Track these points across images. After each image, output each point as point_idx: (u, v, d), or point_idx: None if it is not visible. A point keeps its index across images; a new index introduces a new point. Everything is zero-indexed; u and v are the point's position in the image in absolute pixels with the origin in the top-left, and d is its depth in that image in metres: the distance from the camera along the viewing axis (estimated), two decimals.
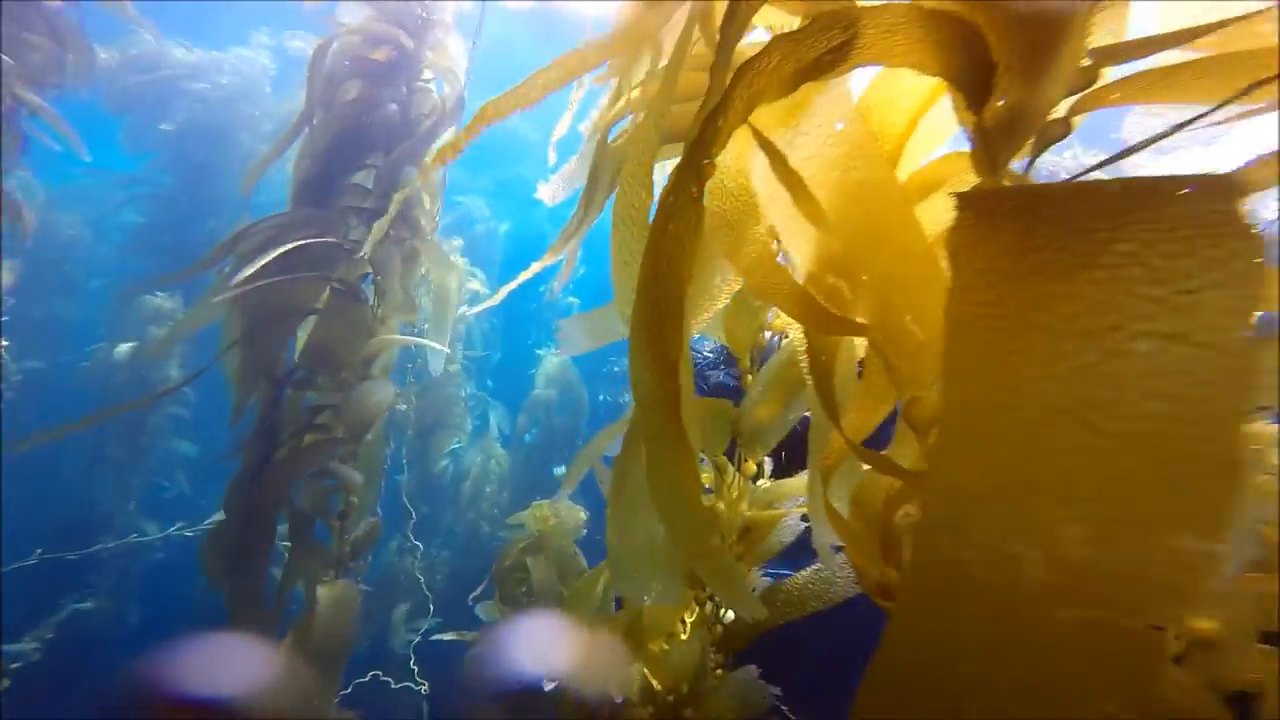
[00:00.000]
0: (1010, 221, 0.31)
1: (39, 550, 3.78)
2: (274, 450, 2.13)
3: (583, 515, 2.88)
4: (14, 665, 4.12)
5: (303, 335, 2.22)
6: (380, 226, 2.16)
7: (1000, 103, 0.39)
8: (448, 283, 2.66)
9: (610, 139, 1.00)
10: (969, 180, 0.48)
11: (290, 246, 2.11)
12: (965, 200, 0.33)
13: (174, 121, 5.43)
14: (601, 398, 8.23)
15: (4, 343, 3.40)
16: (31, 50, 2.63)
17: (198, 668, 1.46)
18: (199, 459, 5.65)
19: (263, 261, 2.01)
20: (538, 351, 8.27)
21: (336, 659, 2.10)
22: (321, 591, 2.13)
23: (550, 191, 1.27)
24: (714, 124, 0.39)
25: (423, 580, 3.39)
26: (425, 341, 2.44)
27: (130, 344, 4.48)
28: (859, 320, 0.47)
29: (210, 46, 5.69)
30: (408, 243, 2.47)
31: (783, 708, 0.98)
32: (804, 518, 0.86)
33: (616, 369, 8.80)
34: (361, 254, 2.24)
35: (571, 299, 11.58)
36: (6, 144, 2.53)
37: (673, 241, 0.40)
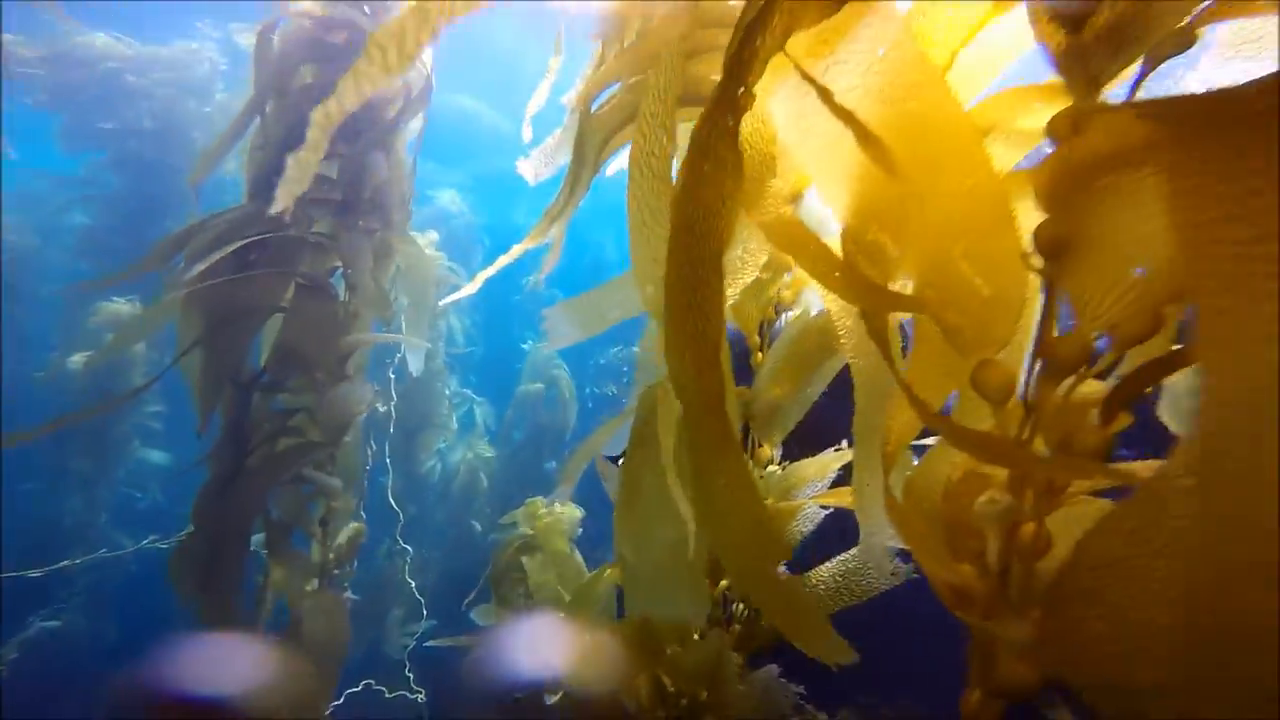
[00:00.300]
0: (1212, 129, 0.25)
1: None
2: (244, 457, 2.01)
3: (578, 513, 2.82)
4: None
5: (271, 336, 2.10)
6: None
7: (1104, 12, 0.32)
8: (424, 276, 2.55)
9: (594, 110, 0.92)
10: (1029, 119, 0.42)
11: (245, 241, 1.98)
12: (1163, 109, 0.27)
13: (116, 120, 5.12)
14: (589, 390, 8.13)
15: None
16: None
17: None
18: (173, 468, 5.45)
19: (215, 258, 1.87)
20: (522, 346, 8.13)
21: (328, 671, 2.02)
22: (307, 603, 2.03)
23: (531, 169, 1.18)
24: (751, 44, 0.31)
25: (414, 584, 3.30)
26: (403, 338, 2.32)
27: (86, 353, 4.26)
28: (903, 281, 0.40)
29: (151, 40, 5.37)
30: (379, 235, 2.34)
31: (807, 706, 0.93)
32: (824, 506, 0.80)
33: (603, 361, 8.68)
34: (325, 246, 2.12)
35: (555, 292, 11.42)
36: None
37: (709, 187, 0.33)
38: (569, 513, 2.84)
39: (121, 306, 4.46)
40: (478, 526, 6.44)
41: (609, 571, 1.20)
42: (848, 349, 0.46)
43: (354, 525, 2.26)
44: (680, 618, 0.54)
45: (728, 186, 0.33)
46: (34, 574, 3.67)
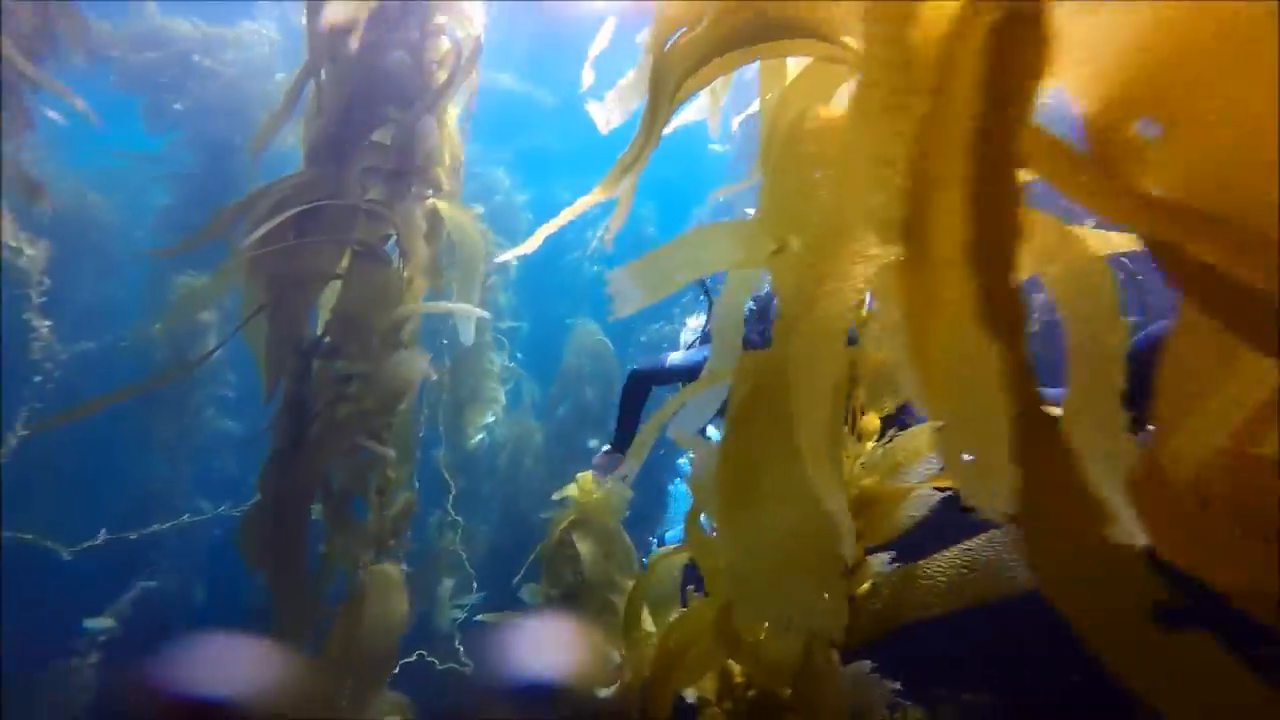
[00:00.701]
0: None
1: (103, 531, 3.87)
2: (305, 426, 2.03)
3: (628, 492, 2.74)
4: (101, 638, 4.31)
5: (328, 305, 2.09)
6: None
7: None
8: (474, 246, 2.49)
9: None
10: None
11: (303, 208, 1.96)
12: None
13: (189, 99, 5.33)
14: (632, 368, 8.05)
15: (47, 323, 3.40)
16: (15, 18, 2.50)
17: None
18: (245, 437, 5.76)
19: (270, 225, 1.86)
20: (567, 321, 8.13)
21: (388, 644, 2.04)
22: (367, 575, 2.05)
23: (603, 113, 1.07)
24: None
25: (465, 556, 3.33)
26: (457, 307, 2.28)
27: (159, 323, 4.51)
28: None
29: (216, 22, 5.54)
30: (430, 202, 2.30)
31: (904, 703, 0.81)
32: (940, 488, 0.67)
33: (644, 339, 8.57)
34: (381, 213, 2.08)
35: (601, 267, 11.34)
36: (7, 122, 2.44)
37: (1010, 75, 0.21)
38: (618, 489, 2.77)
39: (195, 279, 4.69)
40: (524, 501, 6.53)
41: (674, 553, 1.10)
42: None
43: (407, 494, 2.25)
44: (814, 626, 0.43)
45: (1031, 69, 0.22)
46: (132, 537, 3.94)
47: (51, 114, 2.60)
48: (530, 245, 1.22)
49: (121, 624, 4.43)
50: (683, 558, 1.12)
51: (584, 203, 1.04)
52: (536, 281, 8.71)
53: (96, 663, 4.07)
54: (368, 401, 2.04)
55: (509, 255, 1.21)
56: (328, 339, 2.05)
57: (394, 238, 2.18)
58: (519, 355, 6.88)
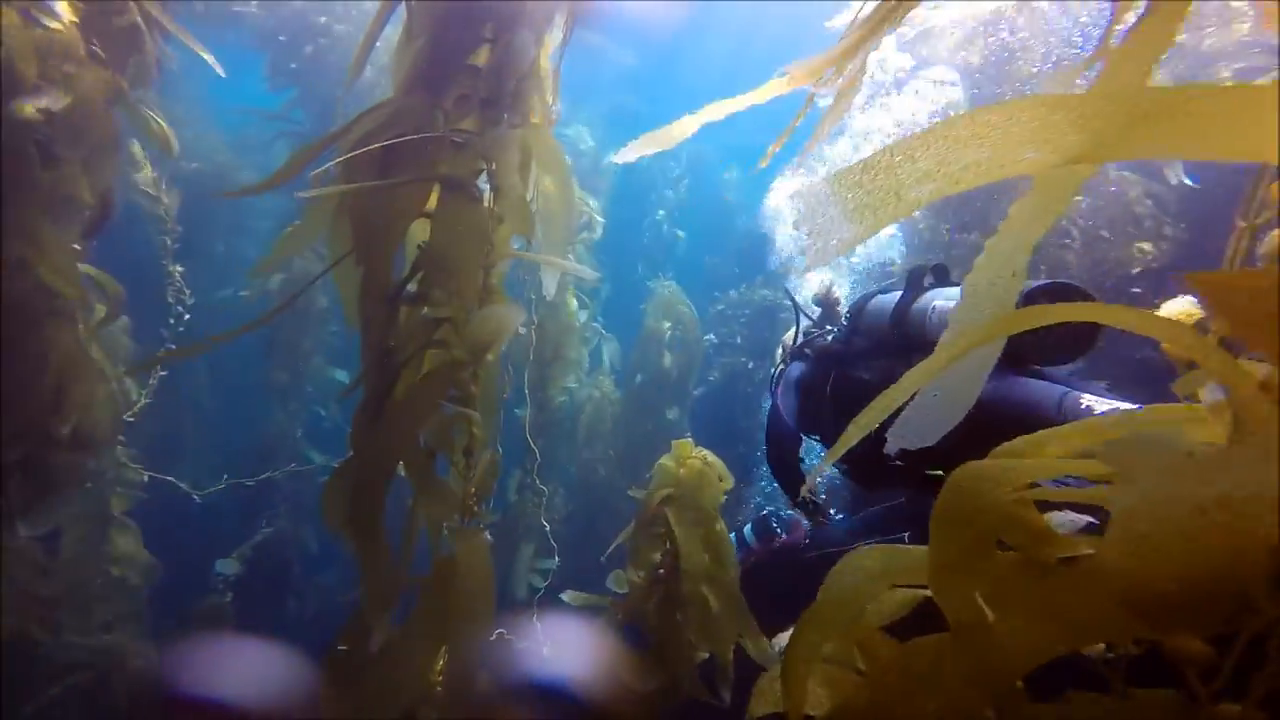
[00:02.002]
0: None
1: (225, 476, 4.14)
2: (393, 376, 1.89)
3: (730, 480, 2.41)
4: (231, 578, 4.72)
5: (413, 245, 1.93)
6: None
7: None
8: (566, 183, 2.23)
9: None
10: None
11: (388, 142, 1.78)
12: None
13: (303, 57, 5.47)
14: (708, 337, 7.66)
15: (179, 268, 3.60)
16: None
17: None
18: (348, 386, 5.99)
19: (352, 158, 1.68)
20: (648, 284, 7.86)
21: (479, 617, 1.89)
22: (455, 541, 1.90)
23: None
24: None
25: (548, 527, 3.20)
26: (554, 260, 2.05)
27: (281, 275, 4.70)
28: None
29: None
30: (521, 133, 2.05)
31: None
32: None
33: (721, 307, 8.11)
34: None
35: (679, 231, 10.95)
36: (137, 68, 2.49)
37: None
38: (719, 468, 2.45)
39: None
40: (601, 470, 6.41)
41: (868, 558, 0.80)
42: None
43: (490, 455, 2.07)
44: None
45: None
46: (249, 483, 4.20)
47: (172, 59, 2.61)
48: (636, 152, 0.95)
49: (246, 566, 4.80)
50: (870, 563, 0.81)
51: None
52: (617, 244, 8.46)
53: (230, 600, 4.44)
54: (456, 351, 1.87)
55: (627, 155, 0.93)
56: (414, 283, 1.89)
57: (485, 173, 1.97)
58: (599, 318, 6.71)
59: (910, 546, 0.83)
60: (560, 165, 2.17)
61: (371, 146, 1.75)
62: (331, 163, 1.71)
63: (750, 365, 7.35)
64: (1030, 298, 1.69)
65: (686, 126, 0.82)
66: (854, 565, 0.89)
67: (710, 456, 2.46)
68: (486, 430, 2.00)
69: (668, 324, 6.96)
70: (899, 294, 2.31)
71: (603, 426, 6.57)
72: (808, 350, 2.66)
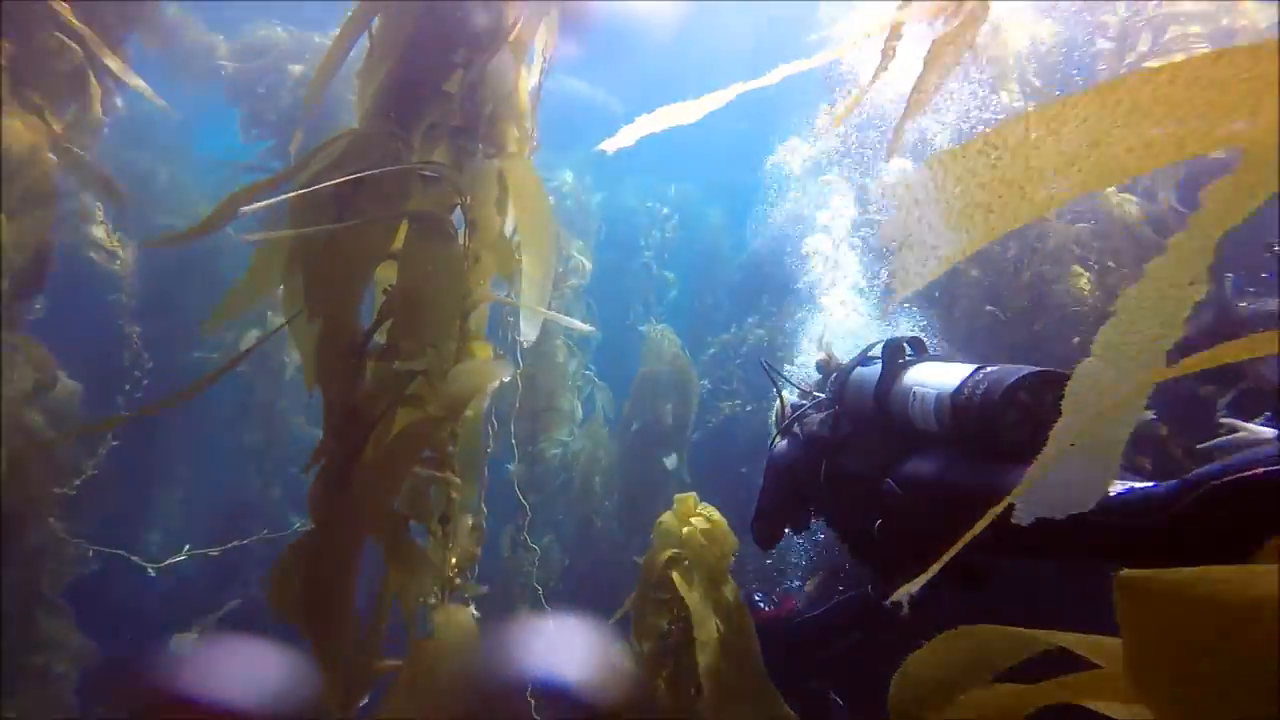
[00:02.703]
0: None
1: (187, 547, 3.80)
2: (360, 439, 1.66)
3: (734, 540, 2.19)
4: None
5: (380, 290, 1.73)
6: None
7: None
8: (546, 217, 2.05)
9: None
10: None
11: (350, 177, 1.61)
12: None
13: (278, 109, 5.40)
14: (703, 382, 7.47)
15: (136, 329, 3.38)
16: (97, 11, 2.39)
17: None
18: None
19: (312, 194, 1.50)
20: (640, 328, 7.71)
21: (466, 706, 1.61)
22: (435, 619, 1.64)
23: None
24: None
25: (540, 590, 2.91)
26: (539, 310, 1.86)
27: (256, 332, 4.47)
28: None
29: (301, 28, 5.63)
30: (496, 163, 1.89)
31: None
32: None
33: (712, 350, 7.94)
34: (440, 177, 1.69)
35: (668, 274, 10.92)
36: (84, 114, 2.34)
37: None
38: (723, 524, 2.22)
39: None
40: (598, 522, 6.10)
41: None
42: None
43: (472, 518, 1.82)
44: None
45: None
46: (213, 553, 3.85)
47: (116, 102, 2.45)
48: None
49: (208, 641, 4.38)
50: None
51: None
52: (606, 288, 8.29)
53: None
54: (431, 407, 1.65)
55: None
56: (382, 333, 1.68)
57: (458, 208, 1.79)
58: (591, 366, 6.51)
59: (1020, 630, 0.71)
60: (540, 198, 2.00)
61: (327, 184, 1.58)
62: (279, 198, 1.52)
63: (749, 409, 7.12)
64: (1015, 388, 1.63)
65: (716, 99, 0.68)
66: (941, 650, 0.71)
67: (715, 514, 2.23)
68: (468, 493, 1.77)
69: (662, 369, 6.77)
70: (875, 365, 2.23)
71: (598, 478, 6.29)
72: (797, 430, 2.54)
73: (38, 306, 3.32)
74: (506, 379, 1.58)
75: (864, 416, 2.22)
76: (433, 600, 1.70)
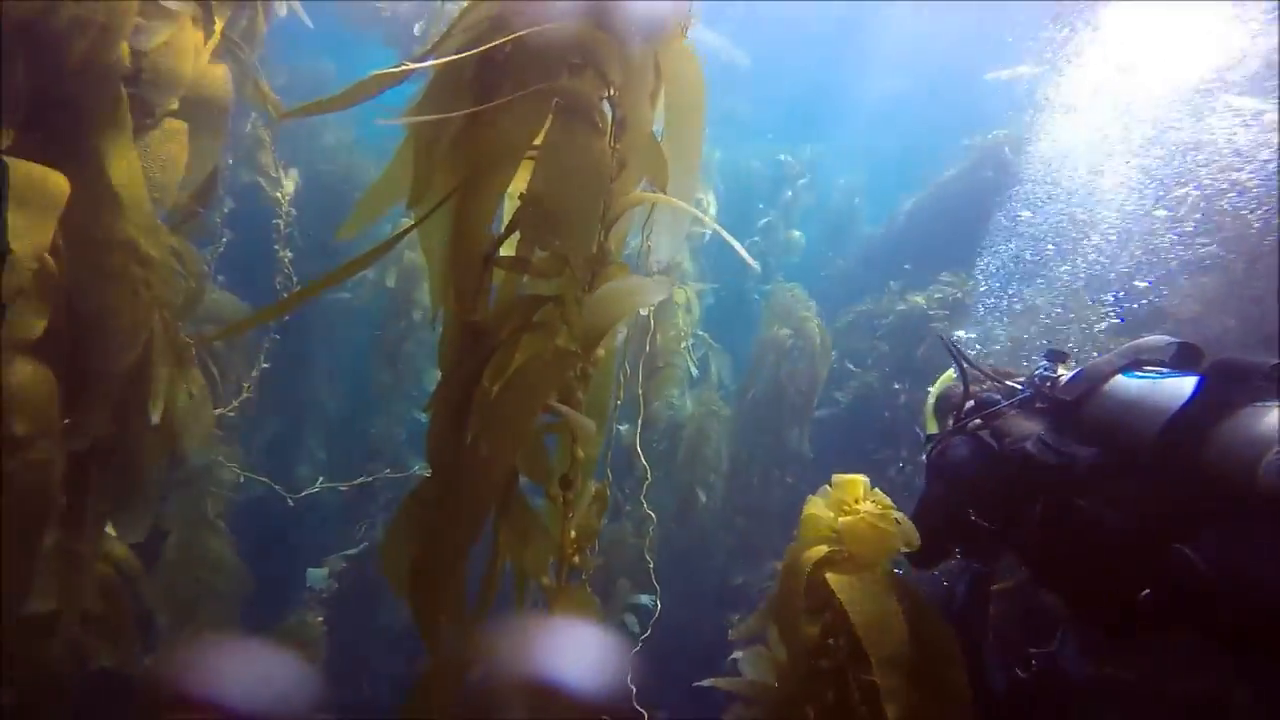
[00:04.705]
0: None
1: (320, 479, 3.96)
2: (479, 373, 1.41)
3: (913, 534, 1.72)
4: (323, 594, 4.52)
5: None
6: None
7: None
8: (698, 123, 1.65)
9: None
10: None
11: (487, 47, 1.31)
12: None
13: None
14: (835, 350, 6.75)
15: (289, 254, 3.49)
16: None
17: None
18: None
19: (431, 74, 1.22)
20: (764, 288, 7.08)
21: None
22: (555, 601, 1.37)
23: None
24: None
25: (651, 564, 2.59)
26: (694, 209, 1.49)
27: (395, 267, 4.54)
28: None
29: None
30: (656, 49, 1.51)
31: None
32: None
33: (850, 317, 7.12)
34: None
35: (795, 232, 10.09)
36: (247, 28, 2.30)
37: None
38: (894, 513, 1.75)
39: None
40: (703, 497, 5.72)
41: None
42: None
43: (595, 487, 1.52)
44: None
45: None
46: (342, 488, 3.99)
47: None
48: None
49: (338, 578, 4.60)
50: None
51: None
52: (724, 245, 7.67)
53: (322, 620, 4.20)
54: (560, 337, 1.35)
55: None
56: (511, 245, 1.40)
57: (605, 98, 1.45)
58: (702, 328, 6.07)
59: None
60: (698, 93, 1.61)
61: (466, 54, 1.29)
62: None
63: (893, 386, 6.33)
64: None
65: None
66: None
67: (889, 504, 1.76)
68: (593, 451, 1.46)
69: (787, 332, 6.20)
70: (1163, 381, 1.63)
71: (707, 447, 5.89)
72: (987, 435, 1.99)
73: (223, 239, 3.48)
74: (661, 299, 1.23)
75: (1128, 448, 1.63)
76: (549, 576, 1.42)
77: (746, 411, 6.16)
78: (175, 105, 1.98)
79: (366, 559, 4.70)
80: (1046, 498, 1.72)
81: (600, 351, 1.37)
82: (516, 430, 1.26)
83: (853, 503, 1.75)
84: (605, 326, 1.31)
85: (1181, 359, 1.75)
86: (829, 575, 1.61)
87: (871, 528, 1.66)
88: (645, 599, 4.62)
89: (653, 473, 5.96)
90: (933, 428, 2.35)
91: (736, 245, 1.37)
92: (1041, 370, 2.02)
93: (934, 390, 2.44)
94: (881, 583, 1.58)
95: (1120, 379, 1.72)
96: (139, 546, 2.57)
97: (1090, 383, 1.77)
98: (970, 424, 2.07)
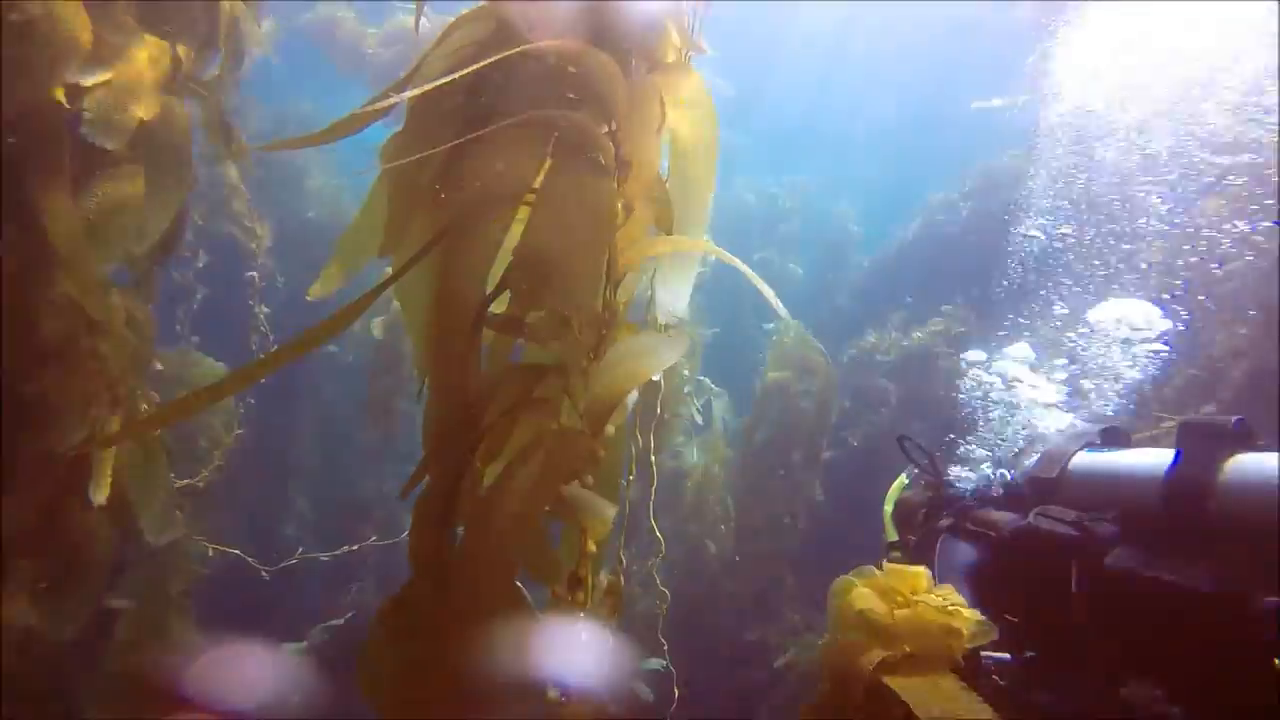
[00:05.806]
0: None
1: (300, 549, 3.65)
2: (470, 451, 1.18)
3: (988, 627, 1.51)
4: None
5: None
6: None
7: None
8: (710, 157, 1.47)
9: None
10: None
11: (475, 69, 1.13)
12: None
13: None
14: (846, 404, 6.54)
15: (264, 310, 3.27)
16: None
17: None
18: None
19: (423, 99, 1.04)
20: (765, 327, 6.89)
21: None
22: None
23: None
24: None
25: (663, 641, 2.32)
26: (714, 250, 1.29)
27: (380, 318, 4.34)
28: None
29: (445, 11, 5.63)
30: (659, 80, 1.34)
31: None
32: None
33: (853, 352, 6.97)
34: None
35: (793, 267, 9.98)
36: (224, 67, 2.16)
37: None
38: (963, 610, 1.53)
39: None
40: (712, 547, 5.42)
41: None
42: None
43: (609, 579, 1.30)
44: None
45: None
46: (323, 558, 3.68)
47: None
48: None
49: (318, 648, 4.22)
50: None
51: None
52: (723, 284, 7.48)
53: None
54: (564, 415, 1.13)
55: None
56: (502, 299, 1.19)
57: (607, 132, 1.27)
58: (703, 368, 5.86)
59: None
60: (710, 126, 1.43)
61: (455, 74, 1.11)
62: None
63: (903, 430, 6.11)
64: None
65: None
66: None
67: (957, 597, 1.54)
68: (605, 541, 1.22)
69: (790, 374, 5.99)
70: (1124, 452, 1.74)
71: (712, 495, 5.62)
72: (972, 525, 1.95)
73: (197, 295, 3.28)
74: (676, 359, 1.02)
75: (1130, 512, 1.66)
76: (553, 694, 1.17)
77: (752, 456, 5.90)
78: (122, 148, 1.78)
79: (352, 629, 4.33)
80: (1083, 564, 1.61)
81: (610, 429, 1.15)
82: (517, 531, 1.02)
83: (909, 594, 1.53)
84: (616, 399, 1.10)
85: (1109, 440, 1.85)
86: (891, 680, 1.37)
87: (941, 625, 1.43)
88: (656, 663, 4.27)
89: (658, 523, 5.61)
90: (892, 535, 2.33)
91: (771, 296, 1.17)
92: (999, 470, 2.08)
93: (890, 497, 2.44)
94: (956, 688, 1.33)
95: (1084, 454, 1.78)
96: (93, 626, 2.31)
97: (1060, 462, 1.81)
98: (940, 523, 2.01)
